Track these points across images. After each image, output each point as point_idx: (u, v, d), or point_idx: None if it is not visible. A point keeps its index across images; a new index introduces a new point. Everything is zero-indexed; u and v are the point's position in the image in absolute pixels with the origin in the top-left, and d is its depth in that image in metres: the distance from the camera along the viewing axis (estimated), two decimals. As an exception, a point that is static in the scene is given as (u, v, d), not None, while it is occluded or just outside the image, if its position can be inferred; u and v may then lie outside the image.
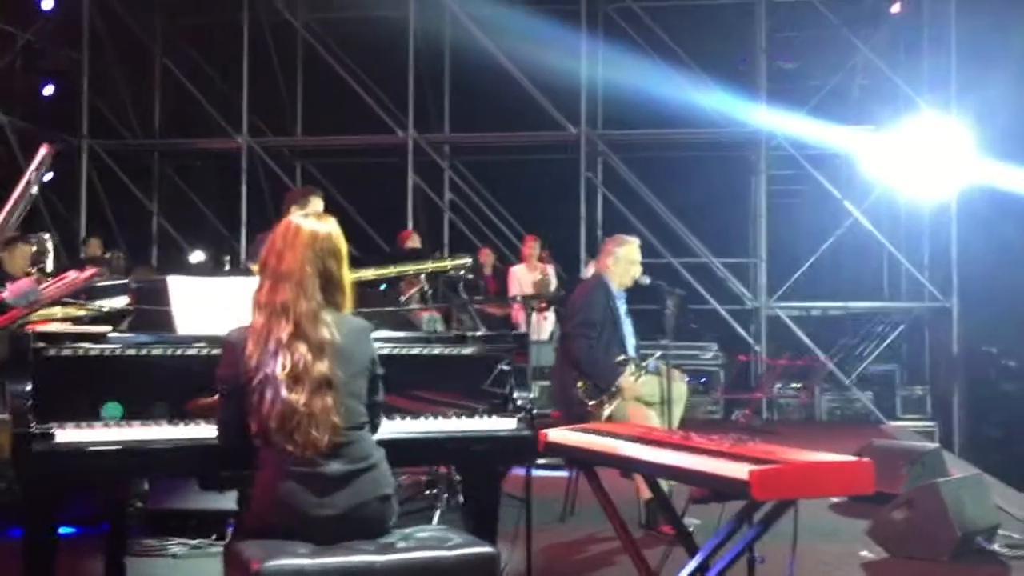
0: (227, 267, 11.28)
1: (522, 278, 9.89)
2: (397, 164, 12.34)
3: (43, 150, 2.34)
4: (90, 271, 2.61)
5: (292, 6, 12.52)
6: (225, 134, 12.51)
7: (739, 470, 2.59)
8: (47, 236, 8.13)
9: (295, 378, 2.62)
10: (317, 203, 5.41)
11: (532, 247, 10.00)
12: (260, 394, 2.64)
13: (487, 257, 10.78)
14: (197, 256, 13.29)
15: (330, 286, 2.75)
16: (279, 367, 2.63)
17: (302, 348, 2.64)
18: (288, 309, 2.67)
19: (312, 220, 2.80)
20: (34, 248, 7.43)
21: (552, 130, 12.03)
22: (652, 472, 3.16)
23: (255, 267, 2.83)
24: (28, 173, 2.32)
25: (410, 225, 11.74)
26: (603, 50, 12.14)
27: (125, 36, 12.78)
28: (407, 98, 12.10)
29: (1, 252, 7.56)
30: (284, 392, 2.61)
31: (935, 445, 6.35)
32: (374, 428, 2.86)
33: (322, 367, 2.65)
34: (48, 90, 12.84)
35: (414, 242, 9.45)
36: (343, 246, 2.80)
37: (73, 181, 12.64)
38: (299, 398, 2.61)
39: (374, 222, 12.19)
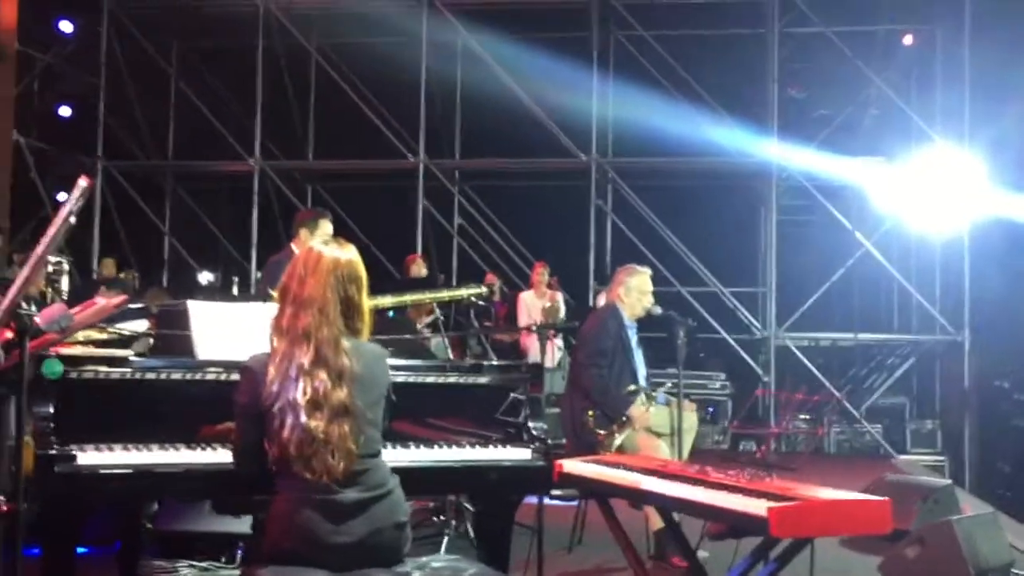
0: (235, 288, 11.31)
1: (531, 304, 9.90)
2: (407, 188, 12.40)
3: (82, 182, 2.37)
4: (120, 298, 2.63)
5: (306, 31, 12.63)
6: (238, 157, 12.59)
7: (757, 506, 2.58)
8: (63, 258, 8.18)
9: (315, 404, 2.64)
10: (326, 226, 5.43)
11: (541, 273, 10.01)
12: (280, 420, 2.66)
13: (494, 282, 10.80)
14: (206, 277, 13.35)
15: (350, 312, 2.78)
16: (300, 393, 2.65)
17: (322, 375, 2.66)
18: (310, 335, 2.69)
19: (334, 247, 2.82)
20: (50, 268, 7.47)
21: (562, 157, 12.08)
22: (669, 506, 3.15)
23: (275, 293, 2.84)
24: (68, 204, 2.35)
25: (419, 250, 11.78)
26: (613, 78, 12.22)
27: (142, 59, 12.90)
28: (418, 123, 12.18)
29: (19, 271, 7.62)
30: (304, 418, 2.63)
31: (948, 481, 6.29)
32: None
33: (341, 394, 2.67)
34: (65, 112, 12.96)
35: (420, 267, 9.48)
36: (363, 273, 2.83)
37: (87, 201, 12.68)
38: (318, 424, 2.63)
39: (383, 246, 12.22)
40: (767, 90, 11.93)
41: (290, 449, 2.64)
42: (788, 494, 2.65)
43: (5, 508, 2.25)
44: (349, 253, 2.82)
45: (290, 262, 2.86)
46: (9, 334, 2.29)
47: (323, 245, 2.83)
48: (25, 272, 2.38)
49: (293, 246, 5.44)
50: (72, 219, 2.34)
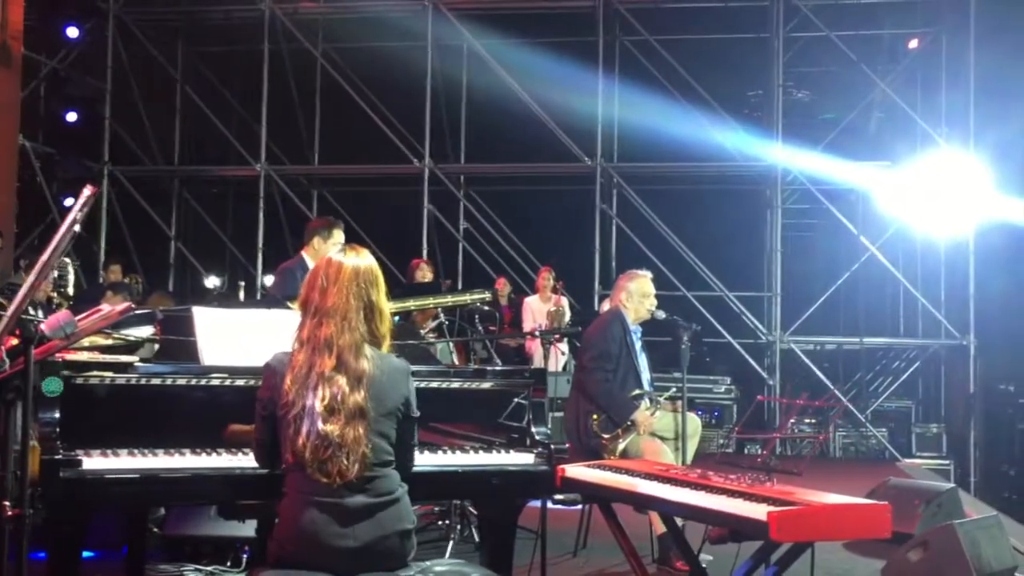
0: (242, 293, 11.35)
1: (536, 309, 9.91)
2: (413, 193, 12.43)
3: (87, 191, 2.41)
4: (124, 305, 2.65)
5: (311, 36, 12.68)
6: (243, 161, 12.64)
7: (757, 511, 2.59)
8: (68, 260, 8.20)
9: (331, 410, 2.68)
10: (339, 234, 5.45)
11: (546, 278, 10.01)
12: (296, 427, 2.69)
13: (503, 287, 10.83)
14: (212, 281, 13.38)
15: (373, 316, 2.81)
16: (318, 400, 2.68)
17: (341, 381, 2.70)
18: (331, 344, 2.73)
19: (352, 256, 2.86)
20: (55, 272, 7.49)
21: (567, 162, 12.11)
22: (670, 511, 3.16)
23: (294, 305, 2.87)
24: (73, 213, 2.38)
25: (425, 254, 11.80)
26: (619, 83, 12.24)
27: (147, 64, 12.96)
28: (424, 128, 12.21)
29: (25, 276, 7.66)
30: (320, 424, 2.67)
31: (951, 485, 6.30)
32: (404, 470, 2.87)
33: (358, 398, 2.71)
34: (71, 117, 13.01)
35: (425, 271, 9.48)
36: (381, 276, 2.88)
37: (94, 206, 12.78)
38: (334, 428, 2.67)
39: (389, 251, 12.21)
40: (771, 94, 11.94)
41: (305, 454, 2.67)
42: (788, 499, 2.67)
43: (11, 513, 2.27)
44: (367, 259, 2.87)
45: (308, 273, 2.90)
46: (14, 341, 2.32)
47: (341, 254, 2.86)
48: (30, 279, 2.41)
49: (304, 254, 5.47)
50: (77, 227, 2.37)
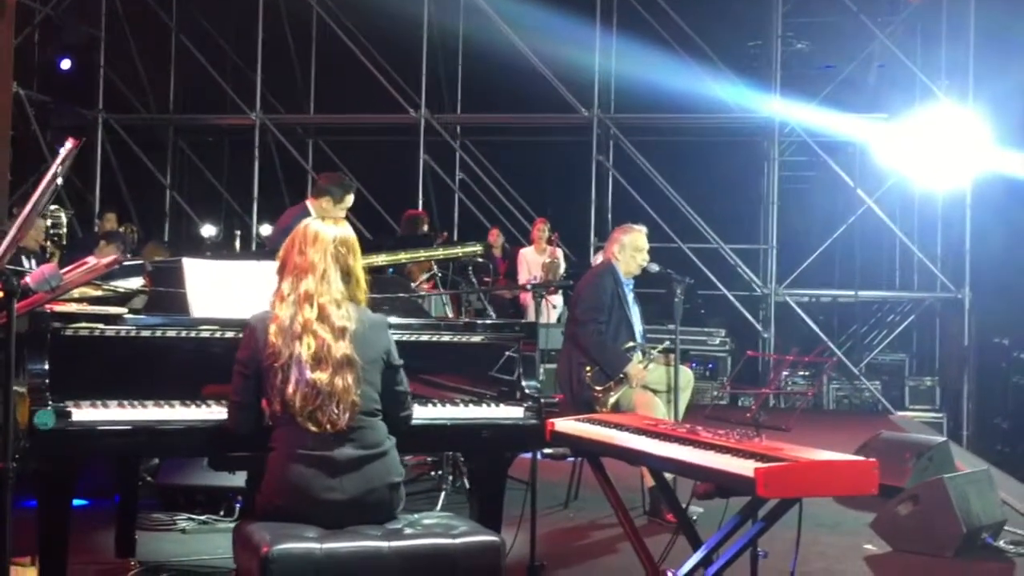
0: (238, 242, 11.34)
1: (531, 260, 9.91)
2: (409, 143, 12.34)
3: (69, 144, 2.38)
4: (111, 257, 2.64)
5: (307, -17, 12.50)
6: (239, 110, 12.55)
7: (745, 467, 2.59)
8: (61, 210, 8.16)
9: (318, 359, 2.72)
10: (350, 199, 5.27)
11: (541, 230, 10.00)
12: (284, 376, 2.73)
13: (497, 238, 10.81)
14: (208, 231, 13.35)
15: (350, 280, 2.87)
16: (304, 348, 2.72)
17: (324, 332, 2.75)
18: (312, 297, 2.78)
19: (330, 225, 2.92)
20: (49, 222, 7.46)
21: (564, 112, 12.01)
22: (658, 466, 3.17)
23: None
24: (55, 166, 2.36)
25: (420, 204, 11.76)
26: (616, 33, 12.09)
27: (142, 11, 12.80)
28: (420, 77, 12.09)
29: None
30: (308, 373, 2.71)
31: (943, 439, 6.34)
32: (403, 421, 2.95)
33: (343, 347, 2.75)
34: (65, 64, 12.86)
35: (422, 224, 9.44)
36: (357, 245, 2.94)
37: (89, 155, 12.71)
38: (322, 377, 2.71)
39: (385, 201, 12.20)
40: (770, 45, 11.80)
41: (295, 403, 2.71)
42: (776, 455, 2.67)
43: (-3, 465, 2.28)
44: (344, 230, 2.93)
45: (289, 235, 2.91)
46: None
47: (319, 223, 2.92)
48: (12, 233, 2.39)
49: (310, 204, 5.23)
50: (59, 180, 2.34)
